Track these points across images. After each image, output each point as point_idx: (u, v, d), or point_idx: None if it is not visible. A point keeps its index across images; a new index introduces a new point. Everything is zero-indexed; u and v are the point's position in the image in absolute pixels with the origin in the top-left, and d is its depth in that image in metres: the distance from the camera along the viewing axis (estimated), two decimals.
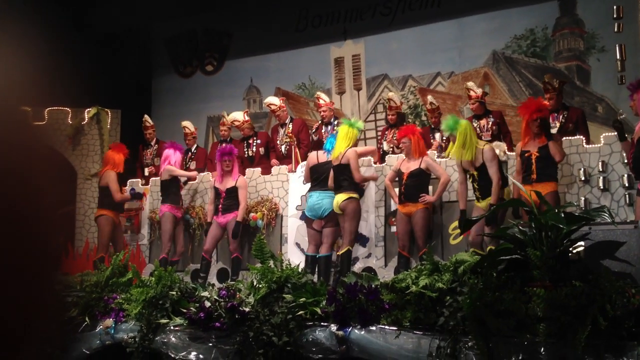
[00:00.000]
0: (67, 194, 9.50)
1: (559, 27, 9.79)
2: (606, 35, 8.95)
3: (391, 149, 8.23)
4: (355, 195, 7.02)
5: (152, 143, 9.96)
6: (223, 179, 8.01)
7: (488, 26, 10.16)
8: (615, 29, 7.44)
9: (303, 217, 7.84)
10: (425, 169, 6.97)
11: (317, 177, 7.33)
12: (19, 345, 0.65)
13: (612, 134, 6.71)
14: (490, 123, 7.67)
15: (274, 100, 9.12)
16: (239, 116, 9.22)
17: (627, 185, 6.47)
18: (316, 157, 7.44)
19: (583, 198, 6.64)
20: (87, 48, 10.06)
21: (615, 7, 7.49)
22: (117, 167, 8.84)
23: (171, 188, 8.52)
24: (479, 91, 8.05)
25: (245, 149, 9.11)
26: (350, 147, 7.09)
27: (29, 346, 0.66)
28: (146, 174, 9.68)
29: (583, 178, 6.69)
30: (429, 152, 7.35)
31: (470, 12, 10.22)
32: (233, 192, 7.90)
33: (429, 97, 8.61)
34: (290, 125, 8.84)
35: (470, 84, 8.24)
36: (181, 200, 8.64)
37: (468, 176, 6.66)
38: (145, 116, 10.13)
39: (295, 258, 7.60)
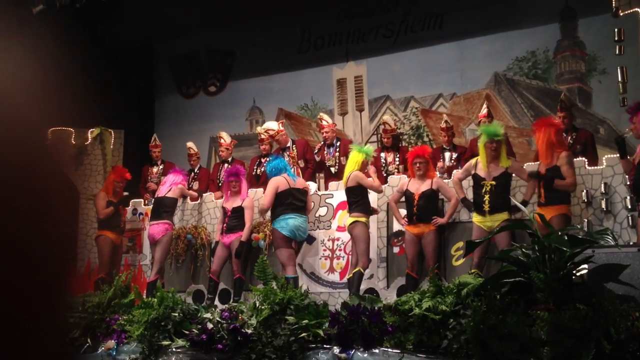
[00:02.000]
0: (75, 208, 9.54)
1: (561, 49, 9.85)
2: (607, 58, 8.99)
3: (396, 170, 8.25)
4: (361, 219, 7.07)
5: (159, 162, 9.95)
6: (230, 199, 8.01)
7: (490, 48, 10.22)
8: (617, 52, 7.49)
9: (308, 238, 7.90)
10: (437, 189, 7.04)
11: (292, 202, 7.37)
12: (25, 344, 0.65)
13: (615, 155, 6.72)
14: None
15: (272, 126, 8.97)
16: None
17: (629, 207, 6.47)
18: (286, 181, 7.44)
19: (586, 220, 6.63)
20: (90, 68, 10.12)
21: (616, 29, 7.54)
22: (106, 187, 8.98)
23: (175, 208, 8.56)
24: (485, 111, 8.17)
25: (256, 167, 9.08)
26: (354, 171, 7.16)
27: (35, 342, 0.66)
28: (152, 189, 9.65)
29: (585, 200, 6.69)
30: None
31: (472, 34, 10.29)
32: (239, 212, 7.89)
33: (444, 116, 8.68)
34: (294, 147, 8.83)
35: (484, 103, 8.45)
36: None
37: (481, 191, 6.66)
38: (155, 135, 10.13)
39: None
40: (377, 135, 11.04)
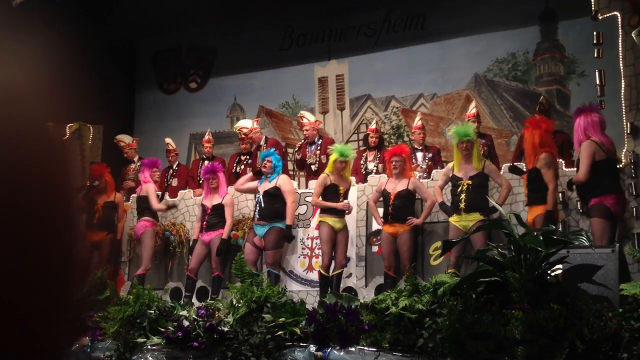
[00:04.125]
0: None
1: (540, 51, 9.93)
2: (586, 61, 9.07)
3: (376, 169, 8.28)
4: (325, 219, 7.18)
5: (135, 160, 9.80)
6: (209, 196, 7.98)
7: (471, 49, 10.27)
8: (595, 55, 7.55)
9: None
10: (413, 189, 7.04)
11: None
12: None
13: None
14: (481, 145, 7.74)
15: (245, 124, 8.96)
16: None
17: None
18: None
19: (561, 221, 6.68)
20: (71, 62, 10.01)
21: (595, 33, 7.60)
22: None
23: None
24: (474, 111, 8.23)
25: (235, 165, 9.04)
26: (326, 172, 7.30)
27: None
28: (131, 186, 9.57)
29: (561, 201, 6.74)
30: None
31: (454, 35, 10.33)
32: (219, 209, 7.87)
33: (419, 114, 8.73)
34: (265, 146, 8.80)
35: (473, 103, 8.54)
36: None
37: (457, 190, 6.67)
38: (117, 137, 9.91)
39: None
40: (358, 134, 11.05)
